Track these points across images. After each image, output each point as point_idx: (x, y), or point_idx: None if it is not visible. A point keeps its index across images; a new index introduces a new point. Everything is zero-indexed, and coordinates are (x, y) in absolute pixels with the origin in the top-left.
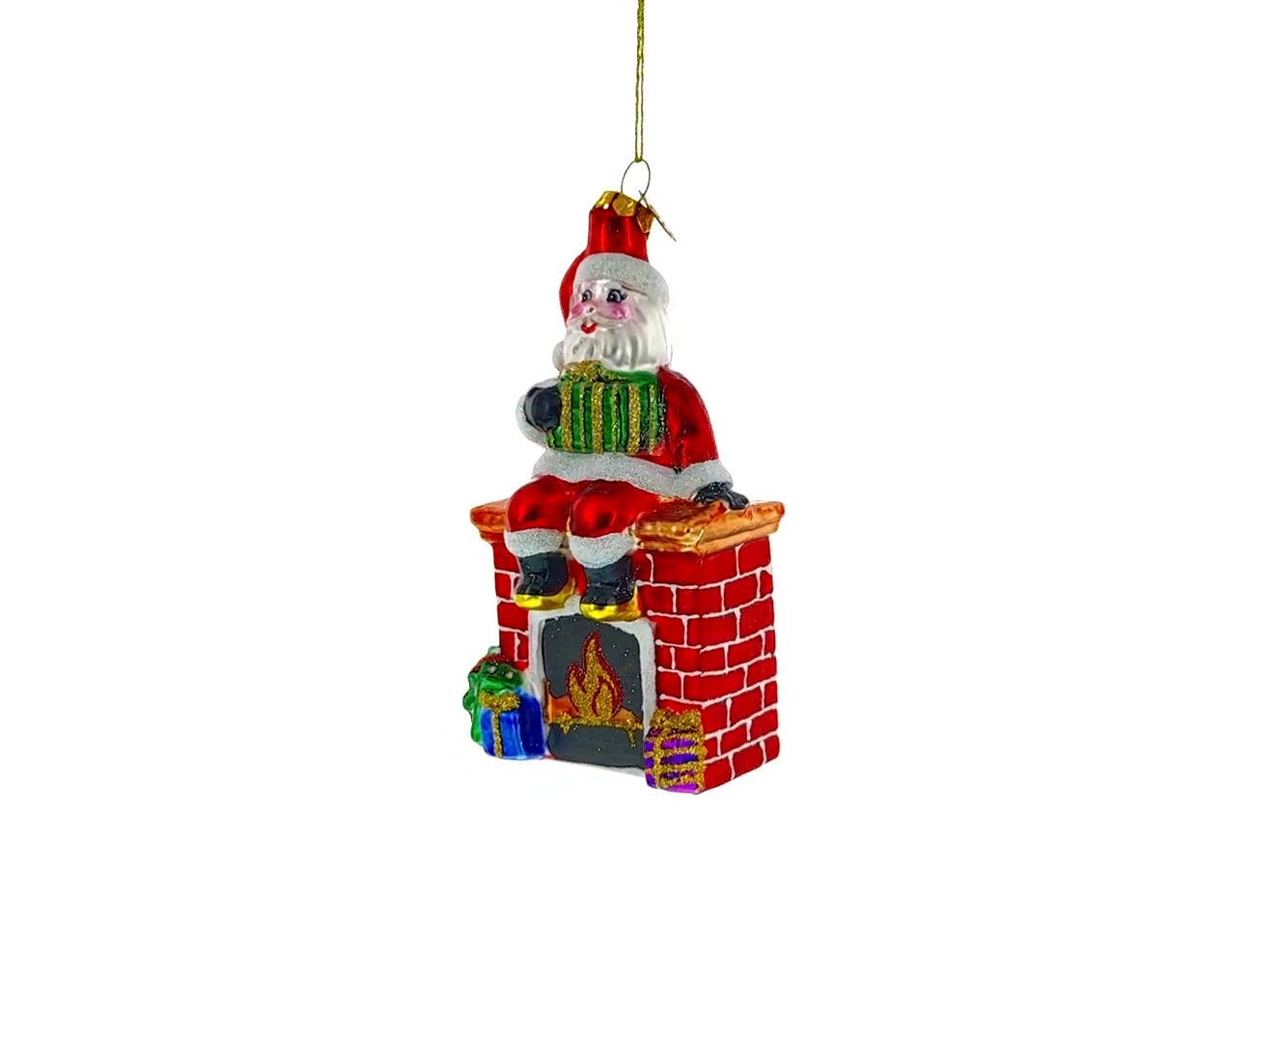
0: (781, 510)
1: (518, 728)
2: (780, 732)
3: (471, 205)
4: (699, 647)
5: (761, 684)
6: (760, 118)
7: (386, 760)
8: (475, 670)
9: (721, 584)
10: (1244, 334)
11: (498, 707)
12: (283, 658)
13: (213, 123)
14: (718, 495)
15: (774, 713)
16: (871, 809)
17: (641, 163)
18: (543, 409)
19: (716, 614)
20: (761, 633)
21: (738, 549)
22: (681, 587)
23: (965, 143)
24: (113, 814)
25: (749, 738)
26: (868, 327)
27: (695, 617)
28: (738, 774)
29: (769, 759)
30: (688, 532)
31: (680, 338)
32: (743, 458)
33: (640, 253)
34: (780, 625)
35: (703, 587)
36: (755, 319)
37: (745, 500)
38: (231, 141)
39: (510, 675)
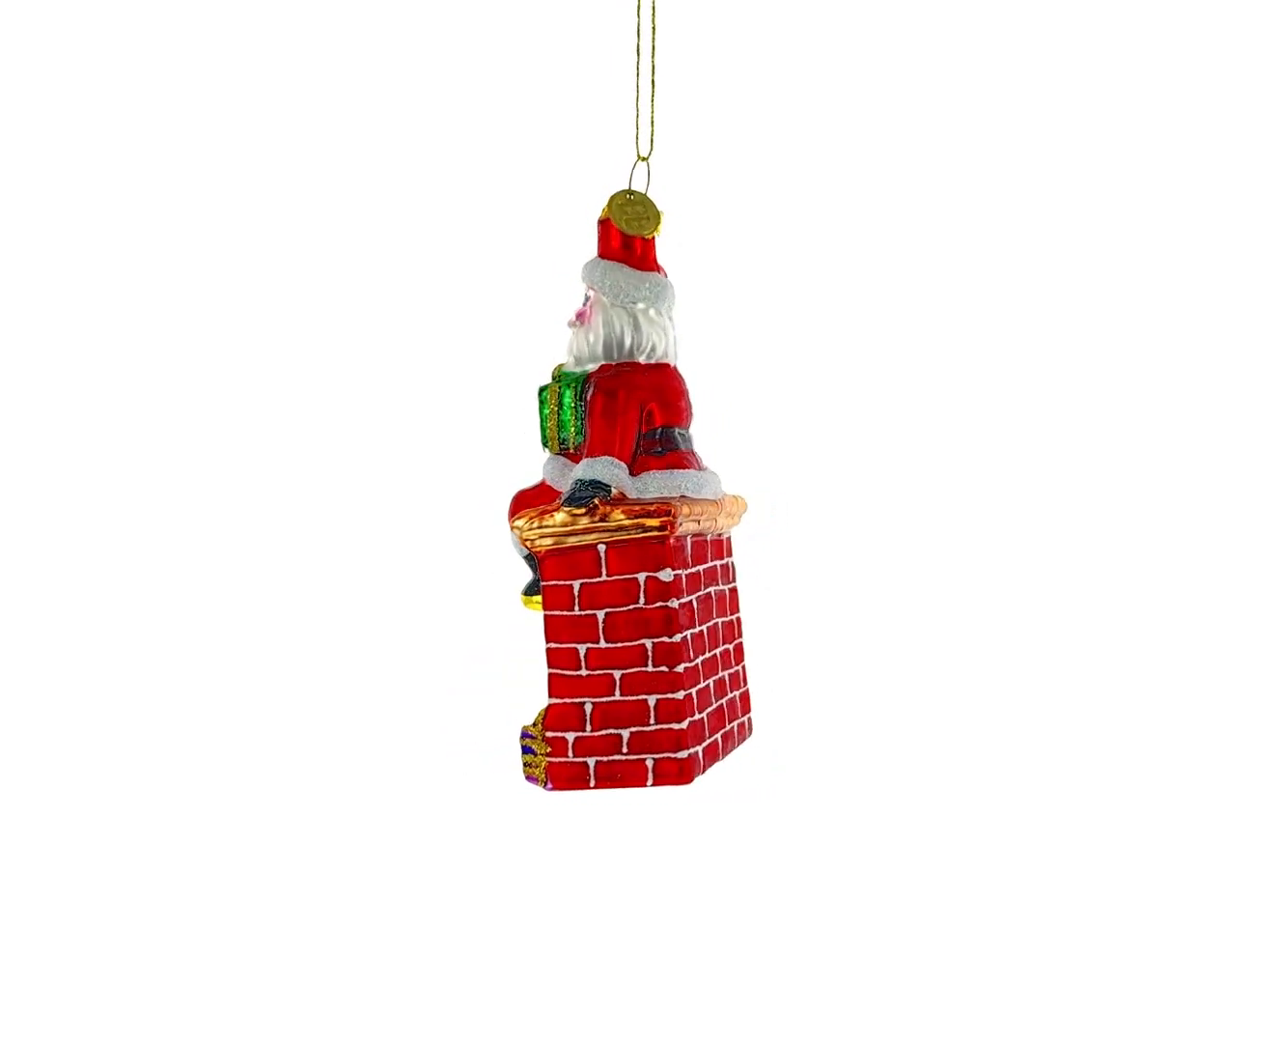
0: (663, 515)
1: None
2: (695, 750)
3: (479, 206)
4: (548, 644)
5: (656, 698)
6: (760, 117)
7: (386, 759)
8: None
9: (576, 583)
10: (1240, 334)
11: None
12: (290, 659)
13: (219, 127)
14: (573, 494)
15: (680, 733)
16: (849, 805)
17: (644, 162)
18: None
19: (565, 613)
20: (648, 642)
21: (603, 549)
22: (543, 583)
23: (966, 140)
24: (119, 816)
25: (624, 750)
26: (867, 325)
27: (551, 613)
28: (619, 785)
29: (681, 778)
30: (526, 528)
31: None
32: (742, 456)
33: (610, 254)
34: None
35: (547, 583)
36: (754, 315)
37: (584, 500)
38: (237, 146)
39: None
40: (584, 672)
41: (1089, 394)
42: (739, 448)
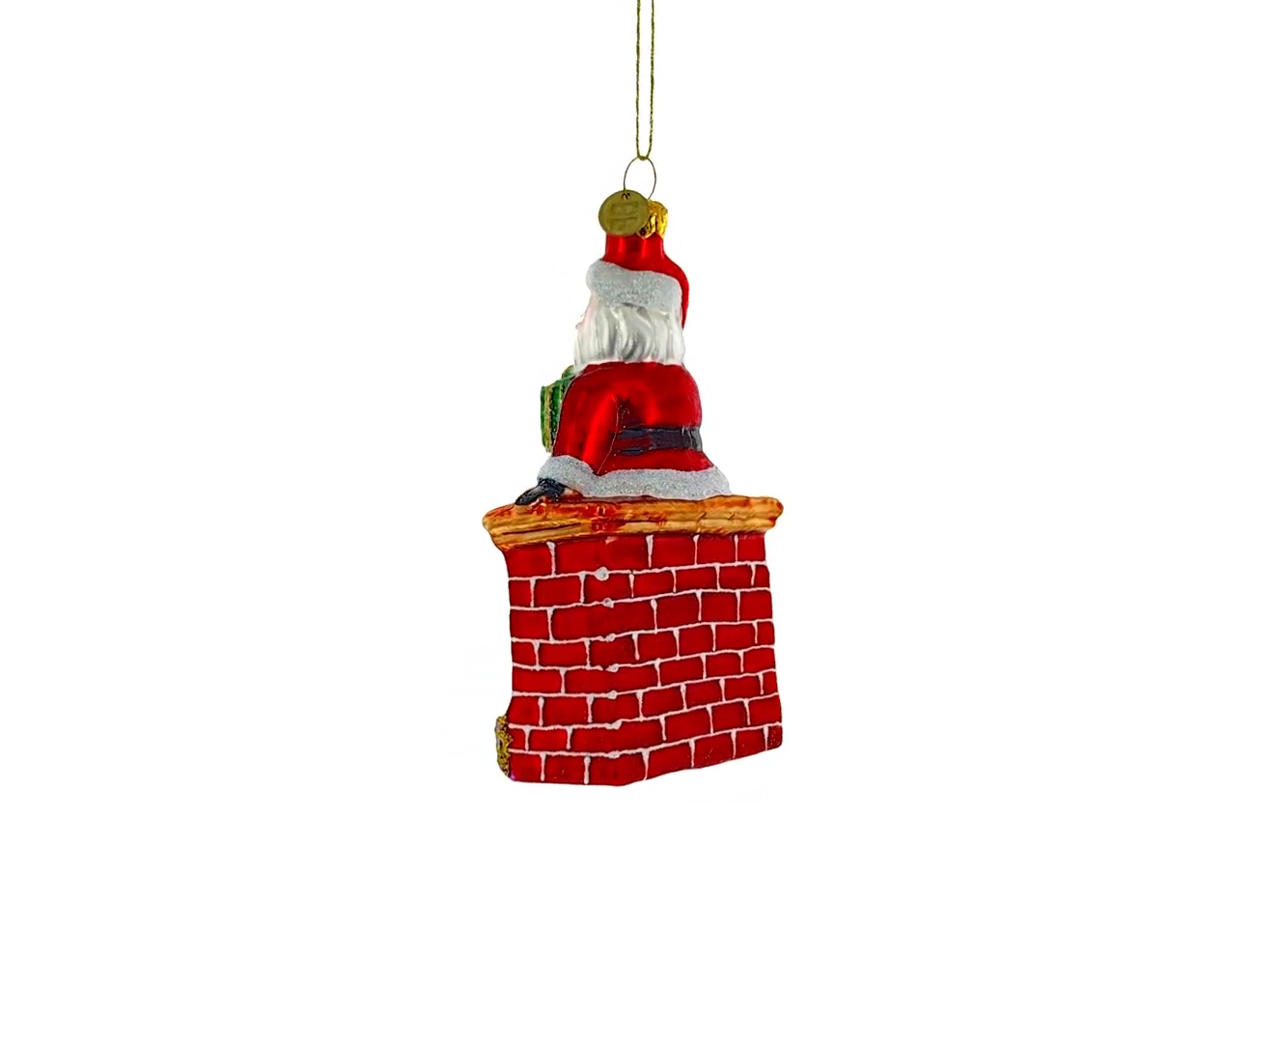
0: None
1: None
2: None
3: (479, 207)
4: (511, 637)
5: (594, 696)
6: (759, 117)
7: (386, 758)
8: None
9: (533, 579)
10: (1243, 335)
11: None
12: (289, 662)
13: (216, 128)
14: (525, 493)
15: (613, 733)
16: (861, 806)
17: (646, 161)
18: None
19: (524, 608)
20: (587, 641)
21: (554, 547)
22: (509, 578)
23: (967, 134)
24: (119, 820)
25: (568, 747)
26: (868, 324)
27: (514, 608)
28: (564, 781)
29: (615, 780)
30: (489, 525)
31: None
32: (743, 455)
33: (608, 255)
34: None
35: (511, 578)
36: (758, 315)
37: (530, 499)
38: (233, 144)
39: None
40: (538, 667)
41: (1098, 385)
42: (739, 448)
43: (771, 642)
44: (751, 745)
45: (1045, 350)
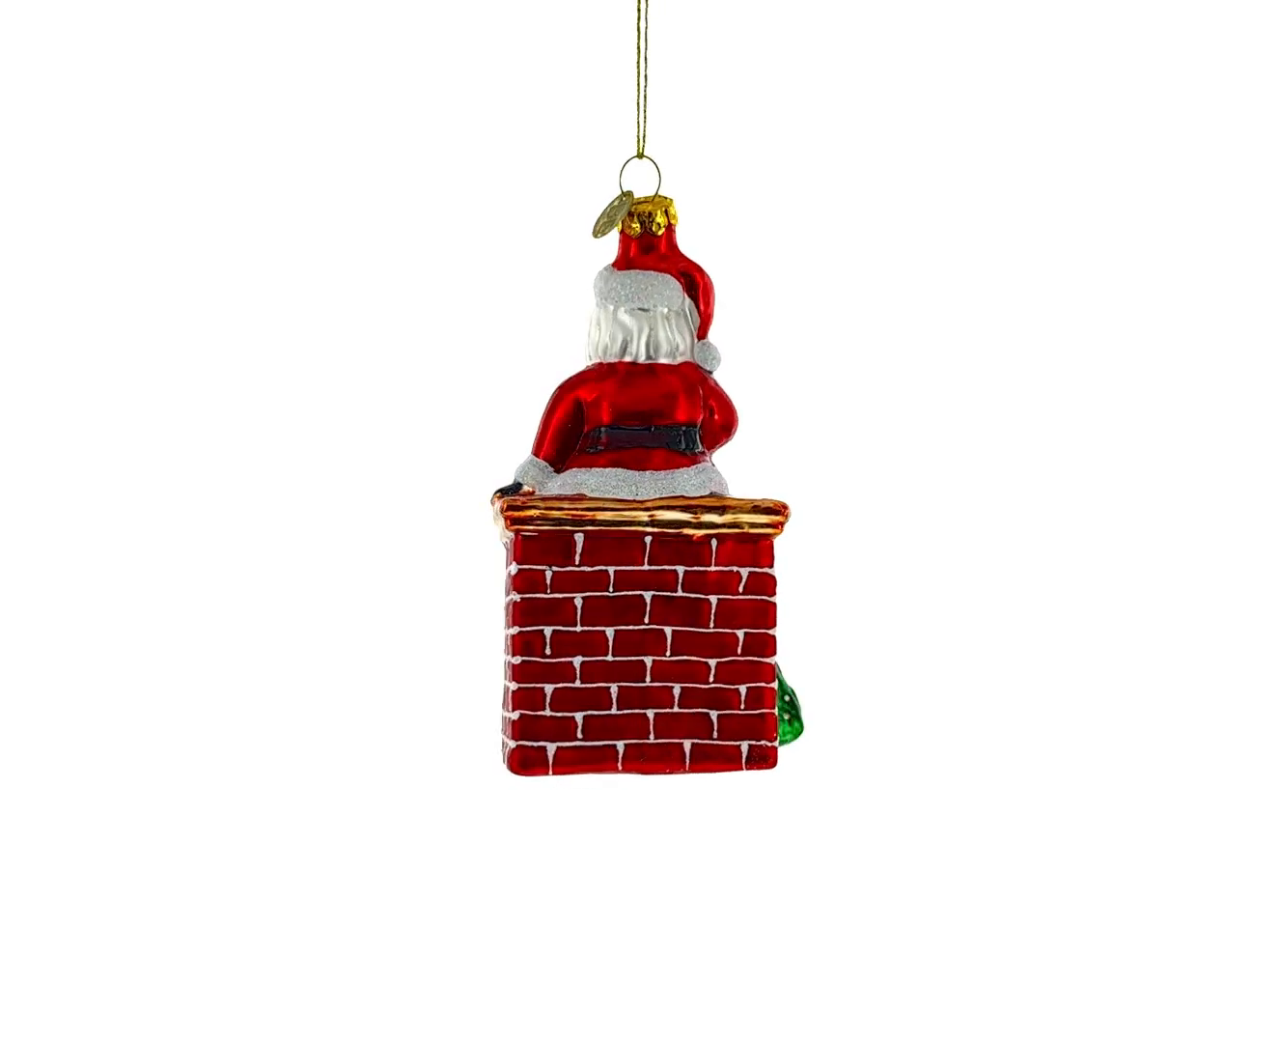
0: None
1: None
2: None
3: (479, 203)
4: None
5: (507, 685)
6: (759, 115)
7: (388, 757)
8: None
9: (505, 572)
10: (1248, 338)
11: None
12: (293, 657)
13: (214, 129)
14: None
15: (513, 722)
16: (862, 814)
17: (644, 159)
18: None
19: (507, 598)
20: (504, 632)
21: (508, 543)
22: None
23: (966, 133)
24: (120, 818)
25: (505, 731)
26: (870, 324)
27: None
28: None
29: (512, 767)
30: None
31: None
32: (745, 457)
33: (619, 258)
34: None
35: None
36: (757, 315)
37: (501, 493)
38: (235, 147)
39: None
40: (502, 656)
41: (1107, 381)
42: (746, 450)
43: (766, 655)
44: (720, 761)
45: (1055, 348)
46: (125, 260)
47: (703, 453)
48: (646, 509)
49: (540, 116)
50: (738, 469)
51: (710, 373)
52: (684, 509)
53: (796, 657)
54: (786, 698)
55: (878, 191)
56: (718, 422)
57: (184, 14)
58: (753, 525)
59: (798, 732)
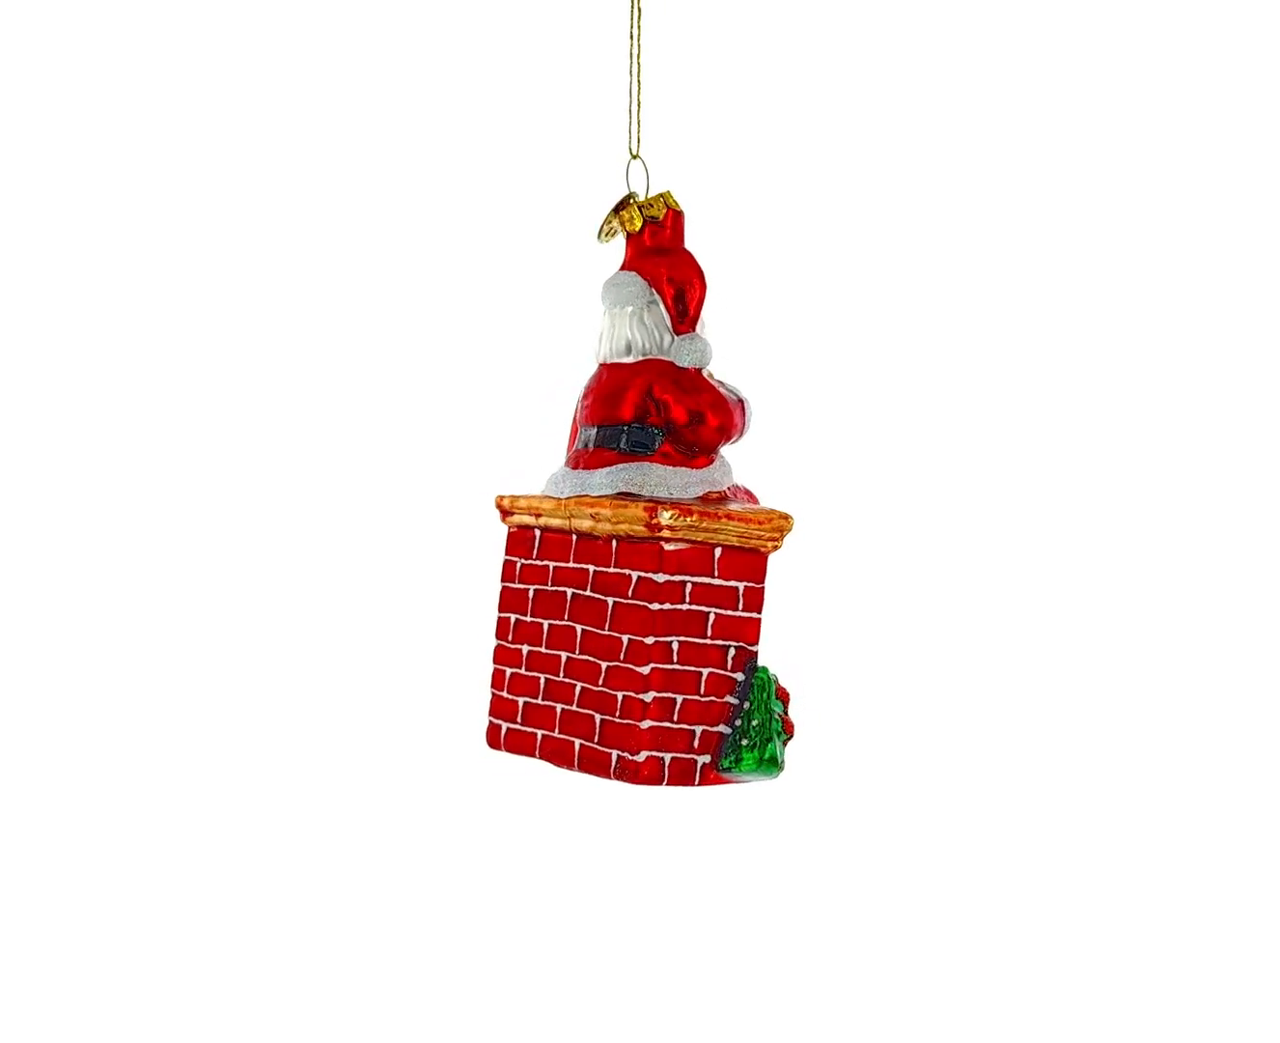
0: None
1: None
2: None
3: (478, 201)
4: None
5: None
6: (759, 114)
7: (389, 756)
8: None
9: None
10: (1250, 341)
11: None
12: (295, 654)
13: (212, 130)
14: None
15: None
16: (865, 811)
17: (638, 159)
18: None
19: None
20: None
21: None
22: None
23: (964, 132)
24: (119, 817)
25: None
26: (870, 326)
27: None
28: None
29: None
30: None
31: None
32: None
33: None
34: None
35: None
36: (757, 314)
37: None
38: (234, 148)
39: None
40: None
41: (1113, 388)
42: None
43: (640, 663)
44: (596, 766)
45: (1059, 351)
46: (130, 262)
47: (664, 454)
48: (567, 509)
49: (540, 116)
50: (738, 470)
51: (699, 370)
52: (589, 509)
53: (795, 659)
54: (755, 722)
55: (878, 191)
56: (676, 419)
57: (184, 14)
58: (632, 527)
59: (766, 769)
